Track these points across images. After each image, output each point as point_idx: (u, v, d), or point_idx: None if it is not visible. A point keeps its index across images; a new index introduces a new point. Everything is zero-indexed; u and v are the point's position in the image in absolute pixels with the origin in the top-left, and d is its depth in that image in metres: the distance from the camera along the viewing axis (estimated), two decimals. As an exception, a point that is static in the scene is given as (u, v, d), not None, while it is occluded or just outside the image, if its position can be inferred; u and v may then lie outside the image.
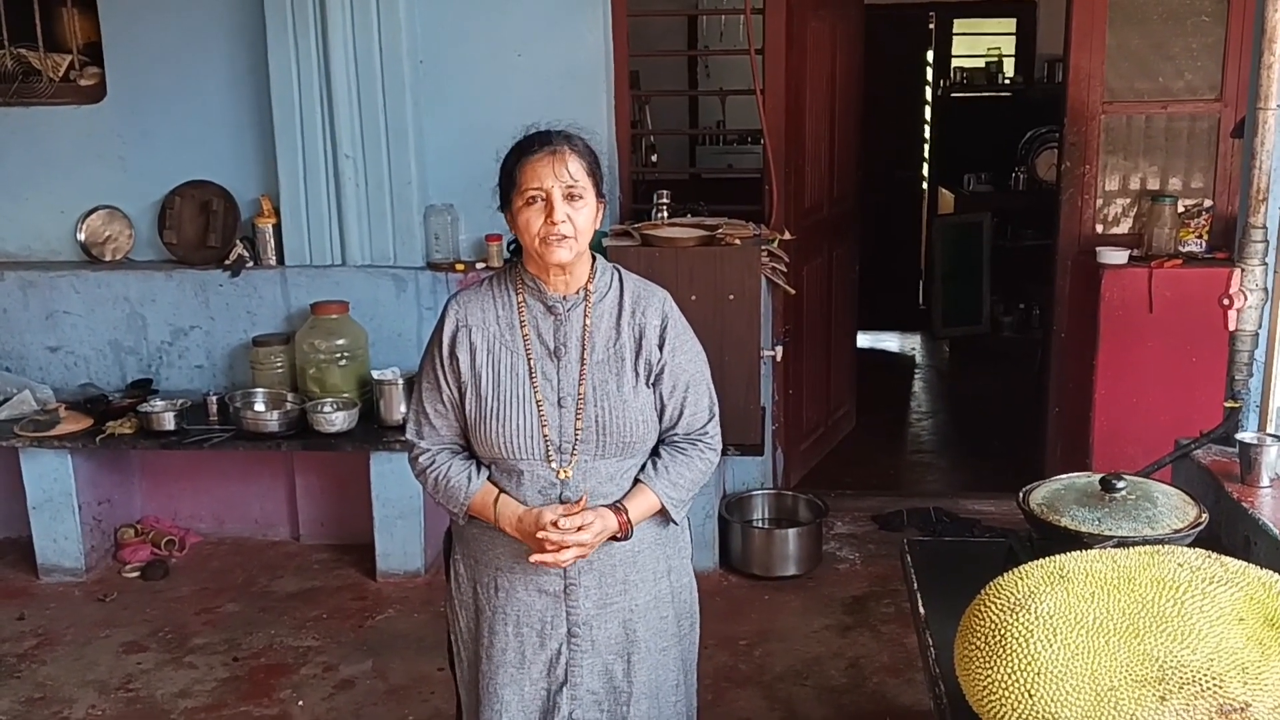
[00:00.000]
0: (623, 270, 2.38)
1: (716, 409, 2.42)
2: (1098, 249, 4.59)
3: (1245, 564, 1.79)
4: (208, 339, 4.96)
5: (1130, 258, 4.52)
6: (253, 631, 4.26)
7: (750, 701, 3.66)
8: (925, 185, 9.05)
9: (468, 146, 4.67)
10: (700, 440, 2.39)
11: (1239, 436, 2.57)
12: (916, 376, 7.92)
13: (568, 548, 2.21)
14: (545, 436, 2.26)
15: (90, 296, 4.96)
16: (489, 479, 2.33)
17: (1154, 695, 1.64)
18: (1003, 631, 1.73)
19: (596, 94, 4.73)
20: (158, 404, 4.61)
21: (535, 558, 2.23)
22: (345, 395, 4.63)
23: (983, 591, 1.83)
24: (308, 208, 4.82)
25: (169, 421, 4.55)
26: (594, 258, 2.34)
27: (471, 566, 2.40)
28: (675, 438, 2.38)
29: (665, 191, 4.60)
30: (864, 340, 7.52)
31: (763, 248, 4.30)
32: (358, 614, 4.39)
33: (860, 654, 3.96)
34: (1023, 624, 1.72)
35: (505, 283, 2.32)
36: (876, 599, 4.34)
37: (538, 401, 2.26)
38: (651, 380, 2.33)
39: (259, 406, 4.65)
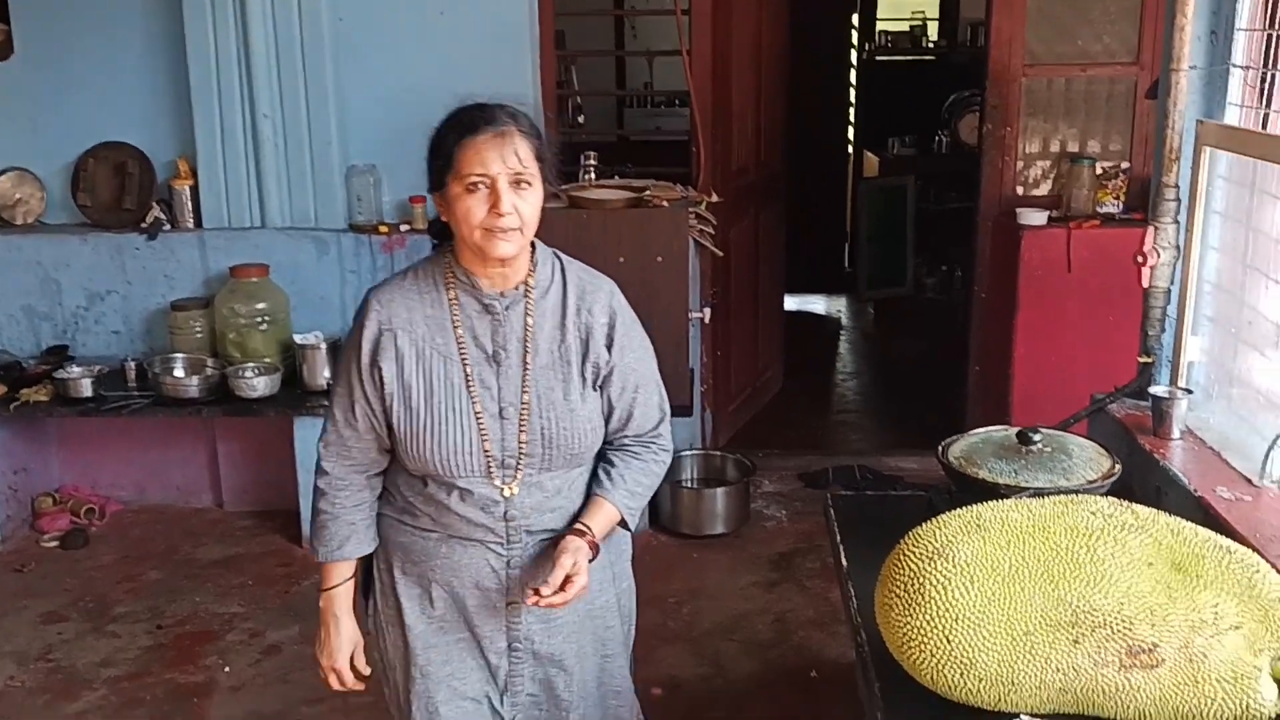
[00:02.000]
0: (563, 257, 2.14)
1: (667, 407, 2.22)
2: (1018, 210, 4.66)
3: (1155, 511, 1.85)
4: (125, 304, 4.84)
5: (1049, 219, 4.60)
6: (176, 599, 4.19)
7: (679, 658, 3.70)
8: (850, 148, 9.11)
9: (390, 106, 4.60)
10: (653, 443, 2.19)
11: (1151, 390, 2.64)
12: (842, 338, 8.00)
13: None
14: (486, 452, 2.02)
15: (1, 261, 4.82)
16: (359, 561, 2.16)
17: (1067, 638, 1.69)
18: (921, 580, 1.76)
19: (521, 53, 4.66)
20: (74, 370, 4.50)
21: (324, 667, 2.18)
22: (267, 360, 4.56)
23: (902, 541, 1.87)
24: (226, 169, 4.72)
25: (86, 388, 4.44)
26: (533, 246, 2.08)
27: (395, 579, 2.15)
28: (625, 441, 2.16)
29: (592, 153, 4.58)
30: (792, 303, 7.57)
31: (690, 210, 4.31)
32: (283, 580, 4.35)
33: (786, 609, 4.02)
34: (941, 572, 1.75)
35: (433, 277, 2.05)
36: (802, 555, 4.40)
37: (476, 414, 2.01)
38: (599, 383, 2.11)
39: (179, 372, 4.56)
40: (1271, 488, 2.30)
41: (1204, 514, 2.20)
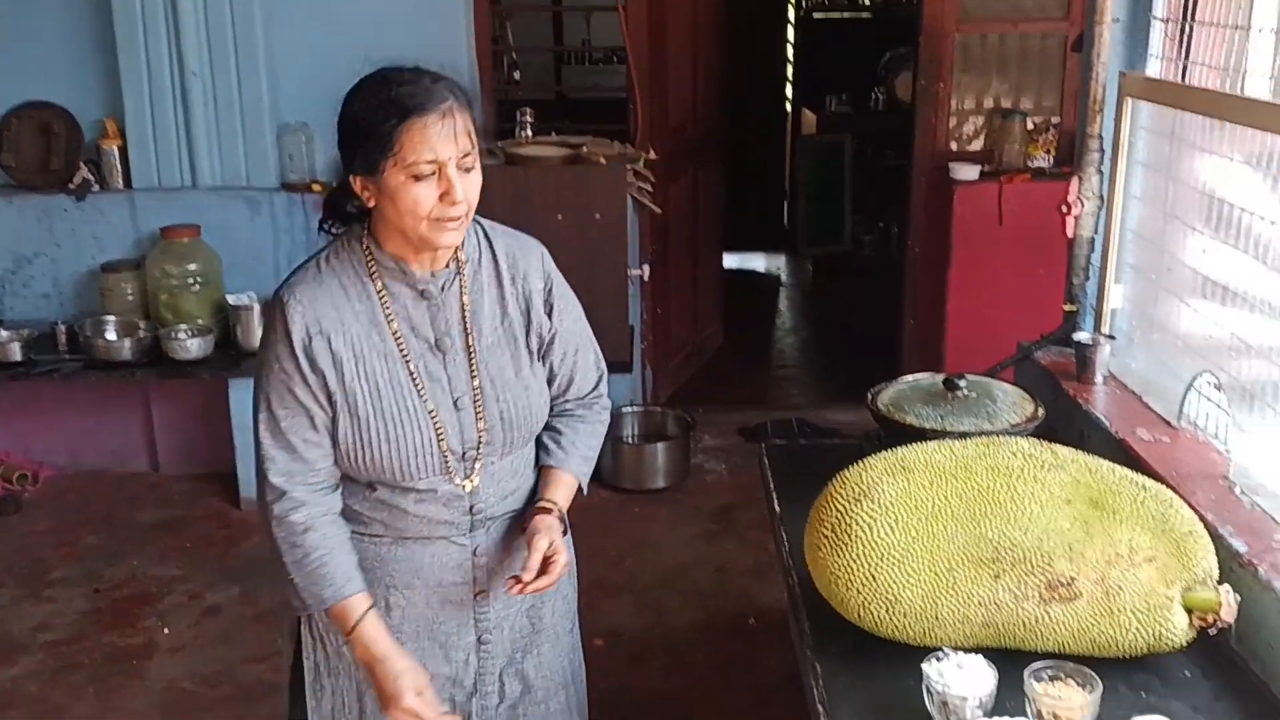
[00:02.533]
0: (484, 223, 1.96)
1: (603, 364, 2.13)
2: (950, 165, 4.71)
3: (1074, 450, 1.90)
4: (54, 266, 4.74)
5: (981, 173, 4.66)
6: (114, 563, 4.16)
7: (621, 609, 3.74)
8: (789, 106, 9.13)
9: (322, 63, 4.51)
10: (595, 403, 2.11)
11: (1075, 337, 2.71)
12: (782, 294, 8.06)
13: None
14: (444, 449, 1.87)
15: (-77, 223, 4.70)
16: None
17: (989, 574, 1.74)
18: (848, 521, 1.80)
19: (455, 8, 4.62)
20: (2, 334, 4.41)
21: None
22: (200, 321, 4.50)
23: (829, 485, 1.91)
24: (154, 129, 4.63)
25: (15, 352, 4.36)
26: None
27: None
28: (567, 405, 2.07)
29: (528, 109, 4.55)
30: (731, 260, 7.60)
31: (629, 167, 4.31)
32: (222, 542, 4.33)
33: (726, 560, 4.08)
34: (866, 512, 1.80)
35: (351, 266, 1.84)
36: (741, 507, 4.46)
37: (430, 412, 1.85)
38: (543, 353, 1.99)
39: (110, 335, 4.49)
40: (1188, 429, 2.37)
41: (1124, 455, 2.26)
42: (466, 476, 1.90)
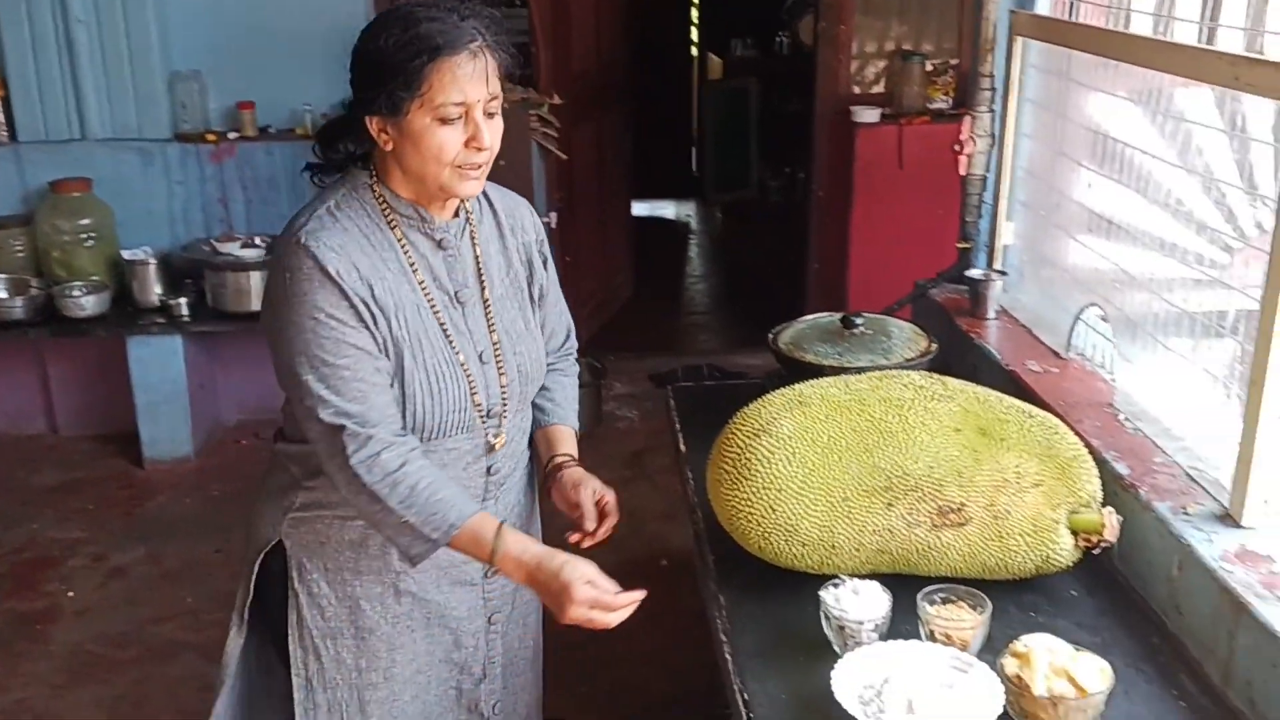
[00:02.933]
0: None
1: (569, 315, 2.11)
2: (852, 109, 4.76)
3: (964, 382, 1.96)
4: (-64, 224, 4.58)
5: (882, 116, 4.72)
6: (12, 527, 4.06)
7: (533, 557, 3.77)
8: (694, 51, 9.11)
9: (214, 9, 4.41)
10: (570, 354, 2.11)
11: (968, 274, 2.77)
12: (691, 242, 8.10)
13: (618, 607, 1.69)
14: (476, 404, 1.80)
15: None
16: None
17: (882, 502, 1.79)
18: (747, 455, 1.84)
19: (349, -46, 4.52)
20: (-116, 295, 4.27)
21: (616, 618, 1.70)
22: (94, 278, 4.39)
23: (730, 421, 1.94)
24: (39, 79, 4.47)
25: (-102, 314, 4.22)
26: None
27: (343, 583, 1.86)
28: (550, 360, 2.03)
29: (427, 55, 4.47)
30: (641, 208, 7.60)
31: (532, 112, 4.28)
32: (126, 503, 4.25)
33: (639, 504, 4.11)
34: (765, 446, 1.83)
35: (365, 213, 1.74)
36: (653, 453, 4.50)
37: (461, 363, 1.78)
38: (537, 304, 1.97)
39: (1, 293, 4.36)
40: (1076, 360, 2.45)
41: (1015, 386, 2.33)
42: (493, 434, 1.84)
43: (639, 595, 1.69)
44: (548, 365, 2.01)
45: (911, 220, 4.61)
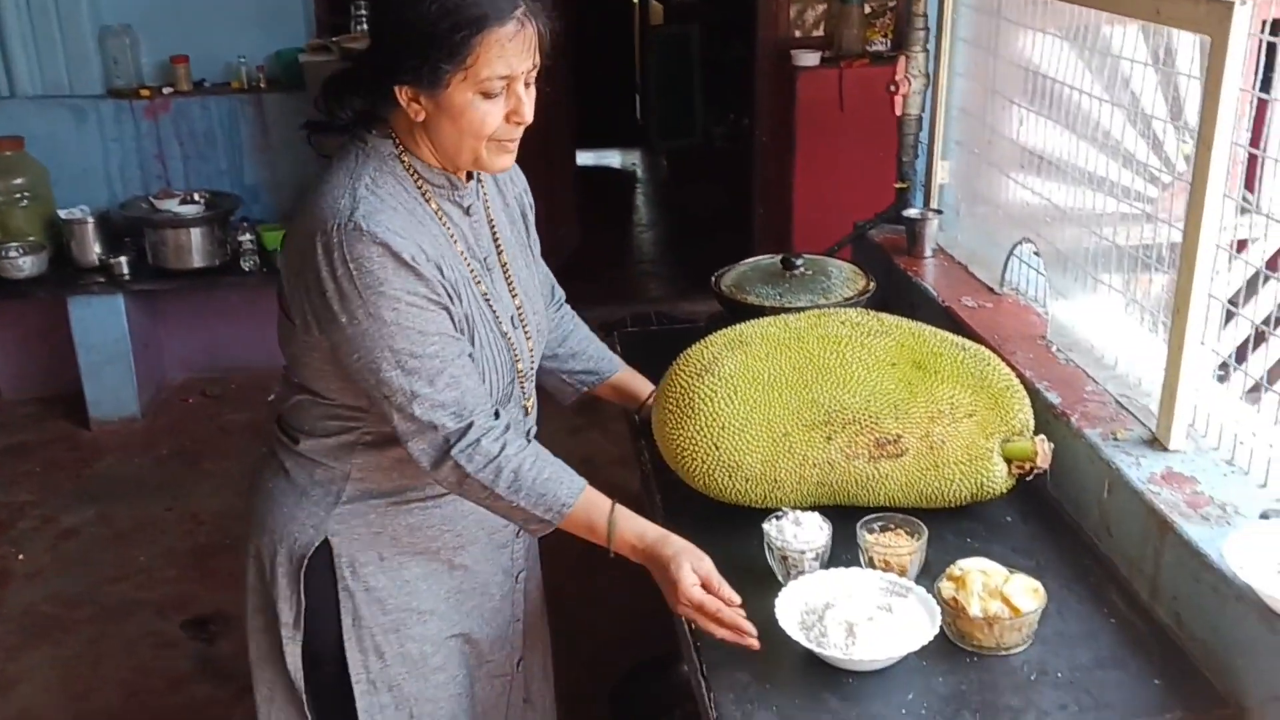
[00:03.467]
0: None
1: None
2: (792, 52, 4.76)
3: (900, 318, 2.00)
4: None
5: (822, 59, 4.73)
6: (-42, 493, 4.04)
7: (486, 506, 3.80)
8: (636, -2, 9.04)
9: (142, -40, 4.33)
10: (566, 305, 2.11)
11: (905, 213, 2.81)
12: (638, 190, 8.09)
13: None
14: (519, 371, 1.77)
15: None
16: None
17: (822, 436, 1.83)
18: (690, 394, 1.87)
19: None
20: None
21: (720, 633, 1.61)
22: (31, 238, 4.33)
23: (674, 362, 1.97)
24: (-37, 35, 4.38)
25: None
26: None
27: (400, 568, 1.77)
28: (556, 316, 2.04)
29: (361, 1, 4.42)
30: (586, 158, 7.59)
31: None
32: (74, 464, 4.22)
33: (592, 451, 4.16)
34: (707, 385, 1.87)
35: (400, 187, 1.63)
36: (605, 401, 4.51)
37: (503, 332, 1.73)
38: (536, 258, 1.94)
39: (-65, 257, 4.29)
40: (1010, 295, 2.51)
41: (951, 322, 2.38)
42: (528, 398, 1.82)
43: (750, 634, 1.59)
44: (558, 323, 2.04)
45: (853, 162, 4.64)
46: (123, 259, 4.30)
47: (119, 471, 4.17)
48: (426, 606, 1.81)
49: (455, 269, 1.65)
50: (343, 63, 4.00)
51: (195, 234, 4.30)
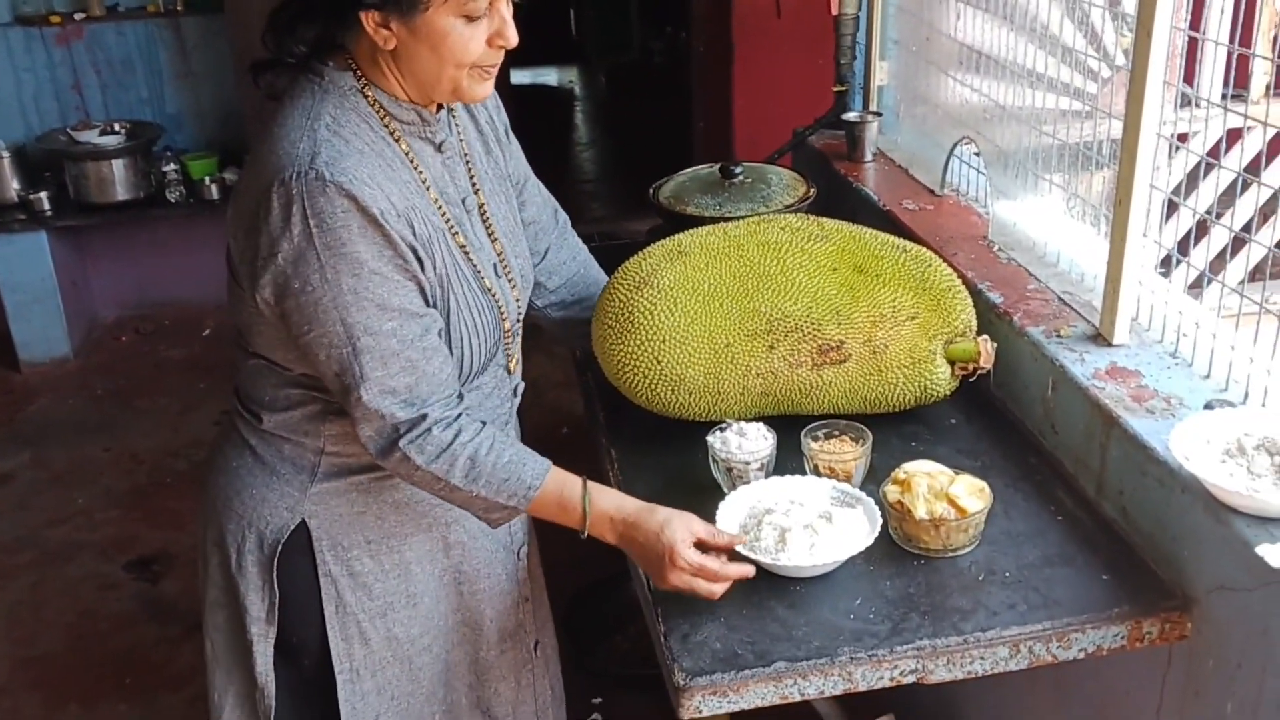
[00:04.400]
0: None
1: None
2: (727, -40, 4.65)
3: (840, 222, 1.95)
4: None
5: (751, -34, 4.62)
6: (-116, 443, 3.92)
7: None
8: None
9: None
10: (572, 230, 1.99)
11: (844, 117, 2.76)
12: (577, 108, 7.96)
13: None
14: (505, 327, 1.63)
15: None
16: None
17: (764, 345, 1.80)
18: (630, 308, 1.82)
19: None
20: None
21: (683, 585, 1.50)
22: (-56, 175, 4.16)
23: (612, 276, 1.92)
24: None
25: None
26: None
27: (391, 550, 1.64)
28: (560, 243, 1.94)
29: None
30: (522, 76, 7.43)
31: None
32: (5, 408, 4.12)
33: (536, 375, 4.06)
34: (646, 298, 1.82)
35: (364, 125, 1.47)
36: (548, 323, 4.48)
37: (485, 286, 1.58)
38: (519, 189, 1.80)
39: None
40: (950, 195, 2.47)
41: (892, 226, 2.35)
42: (511, 353, 1.69)
43: (748, 571, 1.50)
44: (571, 256, 1.92)
45: (792, 69, 4.56)
46: (43, 194, 4.15)
47: (53, 413, 4.07)
48: (419, 589, 1.67)
49: (428, 221, 1.49)
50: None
51: (118, 166, 4.15)
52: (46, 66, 4.33)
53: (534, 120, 6.86)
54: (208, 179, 4.35)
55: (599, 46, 7.90)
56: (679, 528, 1.50)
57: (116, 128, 4.28)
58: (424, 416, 1.45)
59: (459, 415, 1.49)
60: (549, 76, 8.57)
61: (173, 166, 4.32)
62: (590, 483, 1.56)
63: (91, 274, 4.59)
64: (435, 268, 1.49)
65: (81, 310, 4.49)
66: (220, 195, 4.31)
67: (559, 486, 1.54)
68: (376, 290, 1.41)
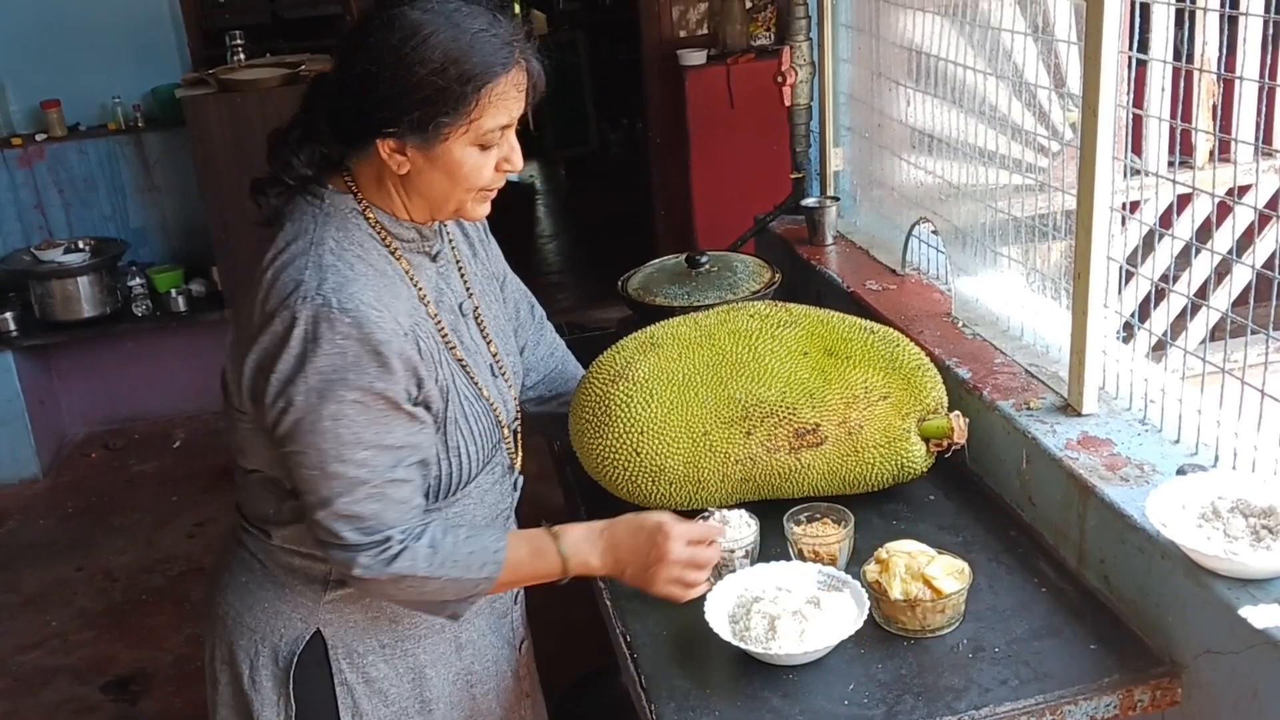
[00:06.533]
0: None
1: None
2: (679, 52, 4.77)
3: (807, 306, 1.99)
4: None
5: (709, 57, 4.75)
6: None
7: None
8: (517, 6, 8.98)
9: (9, 4, 4.17)
10: (548, 322, 2.01)
11: (804, 203, 2.81)
12: (539, 202, 8.04)
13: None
14: (500, 424, 1.65)
15: None
16: None
17: (741, 431, 1.81)
18: (607, 401, 1.84)
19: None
20: None
21: (674, 576, 1.58)
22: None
23: (588, 370, 1.94)
24: None
25: None
26: None
27: (405, 654, 1.65)
28: (536, 341, 1.95)
29: (238, 33, 4.33)
30: (481, 173, 7.50)
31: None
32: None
33: (510, 469, 4.10)
34: (623, 391, 1.84)
35: (360, 242, 1.49)
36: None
37: (481, 391, 1.61)
38: (501, 286, 1.82)
39: None
40: (912, 274, 2.52)
41: (857, 306, 2.39)
42: (513, 452, 1.71)
43: (716, 548, 1.63)
44: (549, 351, 1.96)
45: (748, 157, 4.66)
46: (8, 315, 4.14)
47: (23, 535, 4.01)
48: (433, 695, 1.67)
49: (430, 337, 1.52)
50: (219, 94, 3.91)
51: (83, 283, 4.15)
52: (9, 188, 4.36)
53: (498, 214, 6.91)
54: (174, 291, 4.36)
55: (558, 140, 8.01)
56: (674, 526, 1.57)
57: (81, 245, 4.29)
58: (387, 540, 1.46)
59: (412, 528, 1.48)
60: (509, 172, 8.67)
61: (138, 280, 4.33)
62: (556, 527, 1.59)
63: (59, 392, 4.56)
64: (437, 381, 1.51)
65: (50, 429, 4.45)
66: (187, 307, 4.32)
67: (523, 539, 1.58)
68: (355, 421, 1.42)
